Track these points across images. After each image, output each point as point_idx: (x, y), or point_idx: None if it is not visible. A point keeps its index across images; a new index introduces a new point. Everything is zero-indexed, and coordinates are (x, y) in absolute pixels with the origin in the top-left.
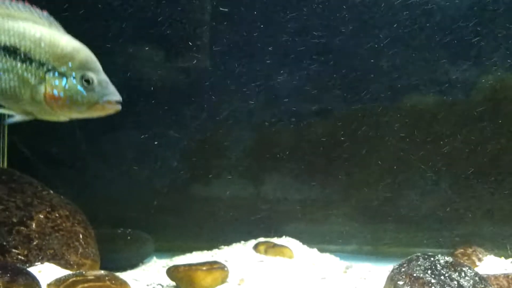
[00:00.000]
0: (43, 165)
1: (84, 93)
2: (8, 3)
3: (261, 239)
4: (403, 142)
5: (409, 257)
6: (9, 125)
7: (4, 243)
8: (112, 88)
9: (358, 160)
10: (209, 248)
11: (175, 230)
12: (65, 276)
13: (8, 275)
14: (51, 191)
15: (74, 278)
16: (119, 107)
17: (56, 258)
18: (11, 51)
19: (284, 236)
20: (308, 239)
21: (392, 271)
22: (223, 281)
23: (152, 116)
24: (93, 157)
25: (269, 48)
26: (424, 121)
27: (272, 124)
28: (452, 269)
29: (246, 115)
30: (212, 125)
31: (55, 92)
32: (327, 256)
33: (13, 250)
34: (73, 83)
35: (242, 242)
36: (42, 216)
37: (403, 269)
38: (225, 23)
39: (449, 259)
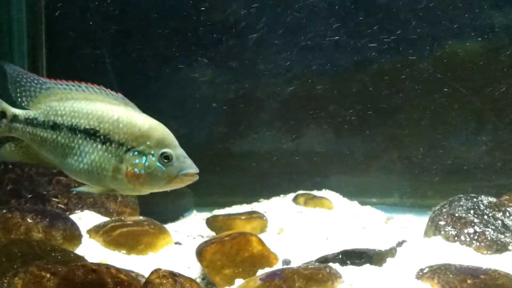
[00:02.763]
0: None
1: (164, 169)
2: (85, 87)
3: (301, 192)
4: (444, 92)
5: (450, 199)
6: None
7: (44, 192)
8: (189, 161)
9: (398, 112)
10: (248, 202)
11: (215, 185)
12: (104, 222)
13: (47, 219)
14: None
15: (113, 224)
16: (196, 178)
17: (96, 206)
18: (92, 134)
19: (324, 189)
20: (348, 192)
21: (433, 212)
22: (262, 230)
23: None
24: None
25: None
26: (465, 69)
27: (310, 77)
28: (496, 209)
29: (283, 69)
30: (250, 81)
31: (136, 170)
32: (368, 208)
33: (53, 199)
34: (152, 160)
35: (281, 195)
36: None
37: (444, 210)
38: None
39: (492, 199)
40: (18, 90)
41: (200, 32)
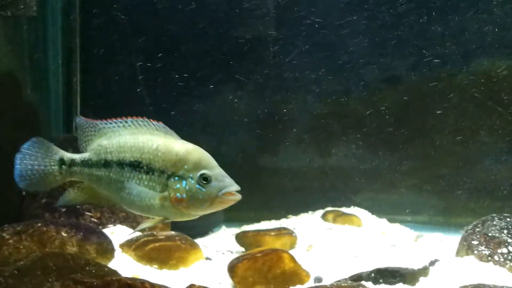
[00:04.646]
0: None
1: (204, 190)
2: (130, 122)
3: (329, 209)
4: (476, 110)
5: (483, 218)
6: (82, 96)
7: (78, 207)
8: (228, 180)
9: (428, 129)
10: (277, 217)
11: (244, 200)
12: (136, 236)
13: (82, 233)
14: None
15: (145, 238)
16: (239, 197)
17: (128, 221)
18: (136, 165)
19: (352, 206)
20: (377, 210)
21: (466, 231)
22: (292, 246)
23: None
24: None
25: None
26: (498, 87)
27: (342, 94)
28: None
29: (314, 86)
30: (280, 97)
31: (178, 195)
32: (397, 226)
33: (87, 213)
34: (192, 183)
35: (310, 212)
36: None
37: (477, 229)
38: None
39: None
40: (82, 137)
41: (232, 49)
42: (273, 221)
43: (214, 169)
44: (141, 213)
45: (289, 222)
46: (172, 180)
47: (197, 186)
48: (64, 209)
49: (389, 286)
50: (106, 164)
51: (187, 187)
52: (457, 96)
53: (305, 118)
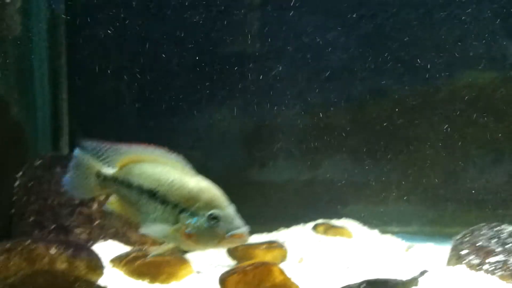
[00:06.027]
0: None
1: (212, 229)
2: (151, 150)
3: (320, 221)
4: (463, 121)
5: (472, 228)
6: (70, 115)
7: (67, 224)
8: (237, 222)
9: (416, 140)
10: (269, 230)
11: None
12: (126, 252)
13: (72, 250)
14: None
15: (135, 254)
16: (246, 239)
17: (118, 236)
18: (153, 194)
19: (343, 218)
20: (368, 221)
21: (455, 241)
22: (283, 259)
23: (207, 101)
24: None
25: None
26: (483, 98)
27: (327, 106)
28: None
29: (300, 99)
30: (266, 110)
31: (187, 230)
32: (388, 237)
33: (75, 230)
34: (201, 221)
35: (301, 224)
36: (103, 197)
37: (466, 239)
38: None
39: None
40: (99, 159)
41: (217, 64)
42: (264, 234)
43: (225, 210)
44: (156, 238)
45: (280, 235)
46: (184, 215)
47: (205, 224)
48: (53, 226)
49: None
50: (128, 185)
51: (197, 224)
52: (443, 108)
53: (292, 131)
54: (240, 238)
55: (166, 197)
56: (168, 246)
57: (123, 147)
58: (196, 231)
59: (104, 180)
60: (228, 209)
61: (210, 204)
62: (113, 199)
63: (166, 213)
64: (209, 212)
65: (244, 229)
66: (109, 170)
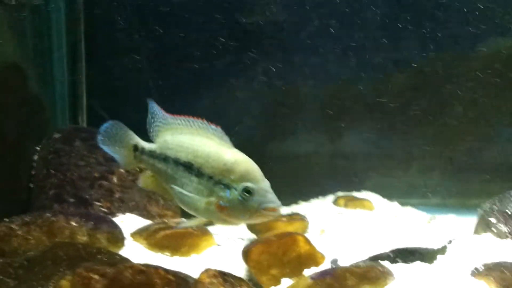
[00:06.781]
0: None
1: (245, 202)
2: (191, 122)
3: (340, 193)
4: (488, 90)
5: (500, 195)
6: (88, 89)
7: (87, 197)
8: (270, 196)
9: (440, 111)
10: (288, 204)
11: None
12: (148, 225)
13: (92, 223)
14: None
15: (157, 226)
16: (278, 213)
17: (138, 209)
18: (189, 167)
19: (363, 191)
20: (388, 193)
21: (483, 209)
22: (304, 231)
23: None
24: None
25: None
26: (510, 67)
27: (350, 77)
28: None
29: (322, 71)
30: (287, 82)
31: (221, 202)
32: (409, 209)
33: (96, 203)
34: (235, 194)
35: (321, 197)
36: (123, 170)
37: (495, 207)
38: None
39: None
40: (152, 125)
41: (238, 34)
42: (284, 208)
43: (259, 183)
44: (189, 211)
45: (300, 208)
46: (218, 187)
47: (239, 197)
48: (73, 200)
49: (406, 264)
50: (166, 159)
51: (230, 197)
52: (468, 77)
53: (313, 103)
54: (272, 212)
55: (201, 169)
56: (199, 220)
57: (161, 118)
58: (229, 204)
59: (142, 153)
60: (263, 183)
61: (244, 177)
62: (146, 175)
63: (201, 185)
64: (243, 185)
65: (277, 203)
66: (146, 144)
